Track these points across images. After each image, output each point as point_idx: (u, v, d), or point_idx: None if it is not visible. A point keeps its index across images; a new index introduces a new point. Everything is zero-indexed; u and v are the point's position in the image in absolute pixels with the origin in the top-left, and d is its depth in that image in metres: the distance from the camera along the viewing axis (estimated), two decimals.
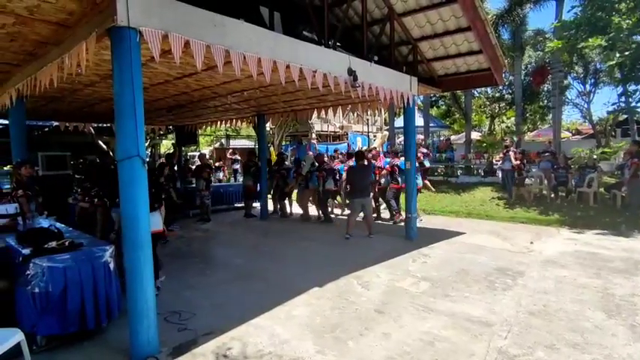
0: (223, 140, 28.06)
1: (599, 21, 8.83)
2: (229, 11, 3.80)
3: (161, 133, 15.47)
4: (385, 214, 9.35)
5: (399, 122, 17.70)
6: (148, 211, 3.18)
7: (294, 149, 18.89)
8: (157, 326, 3.25)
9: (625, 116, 14.70)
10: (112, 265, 3.63)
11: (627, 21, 8.21)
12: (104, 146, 13.39)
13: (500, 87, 21.44)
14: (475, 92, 22.07)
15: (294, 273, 5.32)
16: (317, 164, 9.14)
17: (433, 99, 25.49)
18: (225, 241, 7.55)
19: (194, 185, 9.97)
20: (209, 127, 12.33)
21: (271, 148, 18.29)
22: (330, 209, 9.67)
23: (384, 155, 9.72)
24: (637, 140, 9.38)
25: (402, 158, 8.11)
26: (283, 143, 22.02)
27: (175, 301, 4.29)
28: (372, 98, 6.88)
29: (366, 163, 7.77)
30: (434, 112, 27.94)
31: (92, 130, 11.64)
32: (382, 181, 8.83)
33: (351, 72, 5.19)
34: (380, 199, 9.34)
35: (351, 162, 9.55)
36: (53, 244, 3.51)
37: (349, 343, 3.40)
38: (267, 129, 17.59)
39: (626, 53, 8.23)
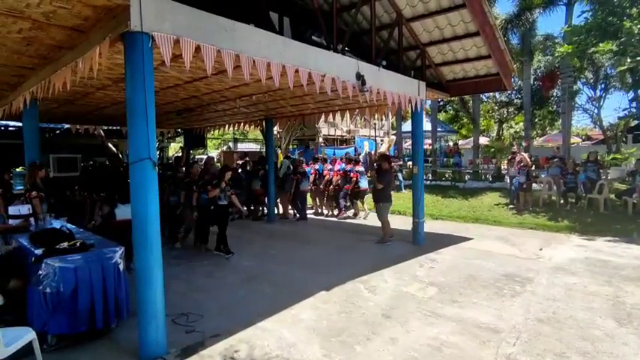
0: (231, 143, 28.26)
1: (610, 26, 8.74)
2: (240, 16, 3.86)
3: (169, 136, 15.61)
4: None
5: (406, 127, 17.68)
6: (158, 213, 3.22)
7: (301, 152, 18.95)
8: (165, 327, 3.28)
9: (636, 122, 14.53)
10: (121, 267, 3.68)
11: (639, 26, 8.13)
12: (114, 148, 13.54)
13: (509, 92, 21.33)
14: (483, 97, 21.99)
15: (301, 276, 5.32)
16: (292, 168, 10.04)
17: (441, 103, 25.47)
18: (232, 243, 7.55)
19: None
20: (217, 131, 12.43)
21: (279, 152, 18.36)
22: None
23: (340, 161, 11.07)
24: None
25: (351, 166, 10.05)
26: (290, 147, 22.09)
27: (183, 303, 4.32)
28: (379, 103, 6.89)
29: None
30: (442, 116, 27.88)
31: (102, 132, 11.80)
32: (339, 182, 10.16)
33: (360, 76, 5.22)
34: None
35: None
36: (65, 244, 3.57)
37: (356, 348, 3.39)
38: (275, 133, 17.66)
39: (638, 58, 8.14)
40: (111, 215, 5.61)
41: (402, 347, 3.39)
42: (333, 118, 9.07)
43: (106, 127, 11.62)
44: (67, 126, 10.59)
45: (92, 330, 3.45)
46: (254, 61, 3.90)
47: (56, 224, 4.59)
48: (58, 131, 11.47)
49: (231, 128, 11.49)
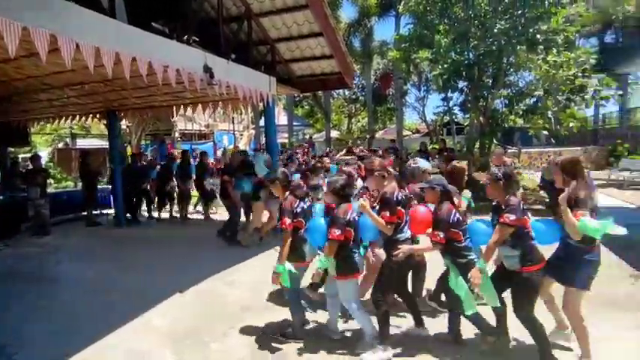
0: (68, 140, 24.01)
1: (425, 38, 10.54)
2: None
3: None
4: None
5: None
6: None
7: (154, 149, 17.41)
8: None
9: (447, 118, 17.91)
10: None
11: (445, 40, 10.00)
12: None
13: (355, 89, 23.72)
14: (334, 94, 23.95)
15: (153, 281, 4.93)
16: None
17: (297, 99, 26.69)
18: (70, 255, 6.47)
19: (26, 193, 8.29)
20: (48, 125, 10.43)
21: (128, 148, 16.47)
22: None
23: None
24: (501, 144, 11.00)
25: None
26: (143, 142, 20.01)
27: (1, 335, 3.54)
28: (231, 96, 6.83)
29: None
30: (299, 111, 29.26)
31: None
32: None
33: (208, 69, 5.07)
34: None
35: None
36: None
37: (212, 346, 3.35)
38: (124, 127, 15.82)
39: (445, 66, 10.02)
40: None
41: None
42: (185, 112, 8.59)
43: None
44: None
45: None
46: (77, 45, 3.42)
47: None
48: None
49: (65, 122, 9.81)
